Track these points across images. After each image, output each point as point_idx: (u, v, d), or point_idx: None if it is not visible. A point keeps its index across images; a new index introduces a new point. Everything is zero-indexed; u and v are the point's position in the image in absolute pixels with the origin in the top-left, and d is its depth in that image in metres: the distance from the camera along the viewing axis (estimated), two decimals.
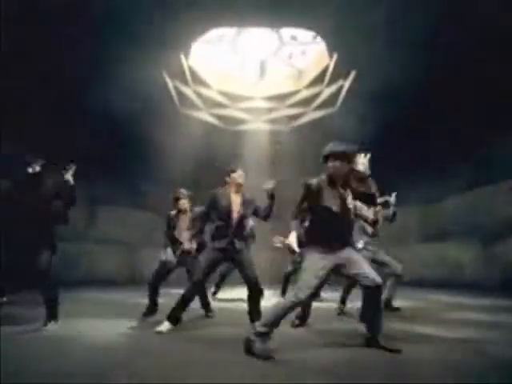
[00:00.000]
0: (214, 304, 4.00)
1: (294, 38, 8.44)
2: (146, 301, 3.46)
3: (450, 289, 6.83)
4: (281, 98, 9.51)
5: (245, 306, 2.97)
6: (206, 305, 3.63)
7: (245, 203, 2.95)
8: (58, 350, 2.14)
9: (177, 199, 3.67)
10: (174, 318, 2.76)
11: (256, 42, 8.67)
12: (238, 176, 2.96)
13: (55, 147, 5.24)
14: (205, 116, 9.19)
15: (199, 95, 8.82)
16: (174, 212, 3.72)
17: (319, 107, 9.02)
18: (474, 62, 6.05)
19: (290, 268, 5.11)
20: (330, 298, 5.11)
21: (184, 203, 3.65)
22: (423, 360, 1.95)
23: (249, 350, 2.01)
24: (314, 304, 3.34)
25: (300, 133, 9.37)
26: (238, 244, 2.85)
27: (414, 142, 8.35)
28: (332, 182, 2.21)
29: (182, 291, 2.83)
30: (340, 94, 8.30)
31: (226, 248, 2.83)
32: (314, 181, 2.21)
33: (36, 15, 5.14)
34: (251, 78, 9.72)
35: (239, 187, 2.97)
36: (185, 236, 3.54)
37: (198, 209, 3.48)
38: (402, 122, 7.54)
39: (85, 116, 6.94)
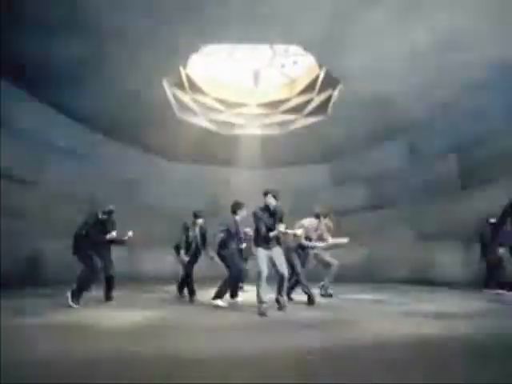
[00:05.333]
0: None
1: (286, 50, 8.96)
2: (147, 295, 4.79)
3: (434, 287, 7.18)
4: (274, 104, 10.01)
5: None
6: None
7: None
8: (73, 338, 2.40)
9: (195, 216, 4.89)
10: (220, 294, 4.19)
11: (250, 53, 9.20)
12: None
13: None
14: (202, 121, 9.66)
15: (197, 102, 9.29)
16: (189, 223, 4.97)
17: (311, 114, 9.51)
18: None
19: None
20: None
21: (197, 223, 4.94)
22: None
23: None
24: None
25: (293, 138, 9.84)
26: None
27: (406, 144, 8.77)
28: None
29: None
30: (329, 102, 8.79)
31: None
32: None
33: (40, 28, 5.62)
34: (246, 86, 10.23)
35: None
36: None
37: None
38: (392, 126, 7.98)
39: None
